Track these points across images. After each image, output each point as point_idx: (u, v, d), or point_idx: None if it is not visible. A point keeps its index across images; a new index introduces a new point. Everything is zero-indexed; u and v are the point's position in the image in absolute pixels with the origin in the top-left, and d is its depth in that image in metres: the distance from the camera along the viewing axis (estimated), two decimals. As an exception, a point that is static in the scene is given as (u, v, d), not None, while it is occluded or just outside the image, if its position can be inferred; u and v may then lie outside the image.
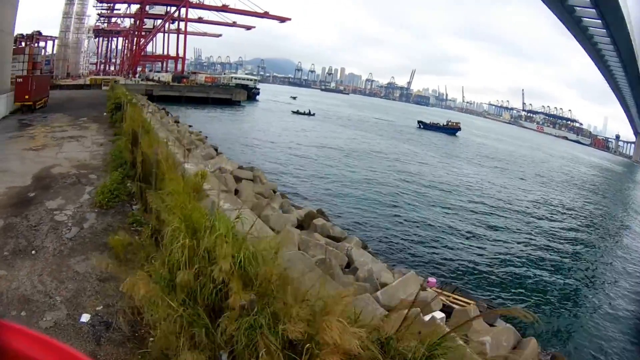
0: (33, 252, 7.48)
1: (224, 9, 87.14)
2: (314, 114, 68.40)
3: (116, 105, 21.82)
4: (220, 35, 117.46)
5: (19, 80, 27.62)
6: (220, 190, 8.27)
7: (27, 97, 27.13)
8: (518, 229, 21.06)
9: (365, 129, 62.64)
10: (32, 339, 0.74)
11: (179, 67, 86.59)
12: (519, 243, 18.63)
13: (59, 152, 15.81)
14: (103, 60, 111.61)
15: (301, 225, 12.81)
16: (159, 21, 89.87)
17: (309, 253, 8.68)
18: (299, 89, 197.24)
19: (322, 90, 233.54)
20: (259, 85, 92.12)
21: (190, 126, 36.69)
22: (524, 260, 16.58)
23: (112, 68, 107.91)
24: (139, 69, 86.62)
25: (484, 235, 18.68)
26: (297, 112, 68.49)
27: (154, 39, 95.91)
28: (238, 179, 15.90)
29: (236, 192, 13.74)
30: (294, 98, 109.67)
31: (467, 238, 17.75)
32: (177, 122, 35.52)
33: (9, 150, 15.67)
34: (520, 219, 23.16)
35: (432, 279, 9.79)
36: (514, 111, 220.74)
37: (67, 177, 12.22)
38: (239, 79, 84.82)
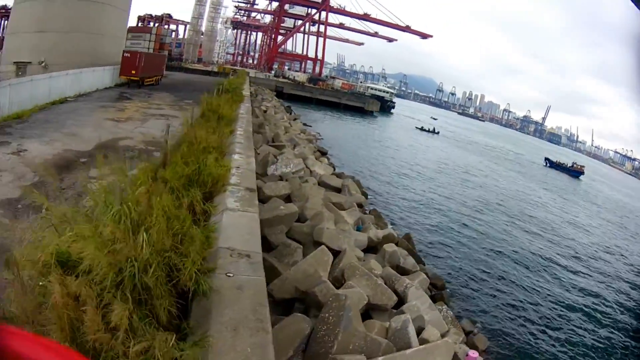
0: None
1: (366, 17, 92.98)
2: (437, 132, 72.43)
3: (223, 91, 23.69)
4: (362, 43, 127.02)
5: (126, 55, 31.56)
6: (247, 189, 8.37)
7: (133, 72, 30.75)
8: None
9: (490, 157, 64.13)
10: (33, 342, 0.79)
11: (317, 69, 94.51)
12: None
13: (139, 126, 17.15)
14: (240, 52, 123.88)
15: (373, 247, 12.38)
16: (300, 21, 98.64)
17: (351, 280, 8.29)
18: (438, 110, 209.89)
19: (459, 114, 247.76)
20: (397, 100, 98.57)
21: (306, 125, 38.23)
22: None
23: (249, 61, 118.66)
24: (275, 65, 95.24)
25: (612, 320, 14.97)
26: (422, 129, 72.48)
27: (294, 38, 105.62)
28: (324, 185, 15.99)
29: (289, 198, 13.27)
30: (435, 119, 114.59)
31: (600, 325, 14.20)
32: (295, 119, 37.25)
33: (92, 117, 17.96)
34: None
35: (474, 354, 7.68)
36: (637, 162, 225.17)
37: (130, 150, 13.04)
38: (375, 89, 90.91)
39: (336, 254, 9.68)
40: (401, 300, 8.85)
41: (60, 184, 9.67)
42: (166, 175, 6.97)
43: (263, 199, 11.65)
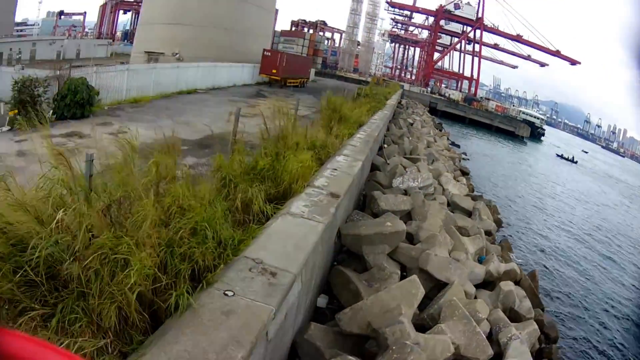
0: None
1: (517, 38, 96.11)
2: (576, 162, 73.83)
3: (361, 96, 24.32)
4: (516, 67, 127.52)
5: (266, 53, 33.58)
6: (331, 194, 7.90)
7: (274, 71, 32.71)
8: None
9: (632, 195, 60.56)
10: (31, 344, 0.83)
11: (472, 89, 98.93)
12: None
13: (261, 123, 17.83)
14: (399, 67, 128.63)
15: (491, 282, 11.28)
16: (455, 39, 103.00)
17: (445, 322, 7.27)
18: (584, 142, 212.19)
19: (602, 147, 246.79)
20: (546, 128, 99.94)
21: (454, 144, 39.85)
22: None
23: (407, 76, 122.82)
24: (431, 82, 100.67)
25: None
26: (561, 157, 74.74)
27: (450, 55, 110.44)
28: (455, 205, 15.49)
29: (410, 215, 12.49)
30: (586, 152, 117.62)
31: None
32: (443, 136, 39.26)
33: (216, 110, 19.21)
34: None
35: None
36: None
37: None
38: (527, 114, 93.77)
39: (442, 286, 8.65)
40: (498, 355, 7.63)
41: (145, 162, 10.18)
42: (222, 166, 6.60)
43: (376, 212, 11.08)
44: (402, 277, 8.48)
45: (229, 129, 15.45)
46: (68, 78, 17.23)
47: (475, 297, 9.31)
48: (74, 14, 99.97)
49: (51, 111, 16.65)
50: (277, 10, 59.19)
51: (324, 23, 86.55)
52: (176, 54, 33.78)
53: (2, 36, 62.51)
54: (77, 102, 16.45)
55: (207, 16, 34.94)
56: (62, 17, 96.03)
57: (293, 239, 5.58)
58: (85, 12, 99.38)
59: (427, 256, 9.07)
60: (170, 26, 35.29)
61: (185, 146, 12.76)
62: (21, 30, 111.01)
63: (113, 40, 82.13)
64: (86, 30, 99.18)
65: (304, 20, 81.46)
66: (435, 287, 8.58)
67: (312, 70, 44.85)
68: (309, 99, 28.95)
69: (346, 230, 8.82)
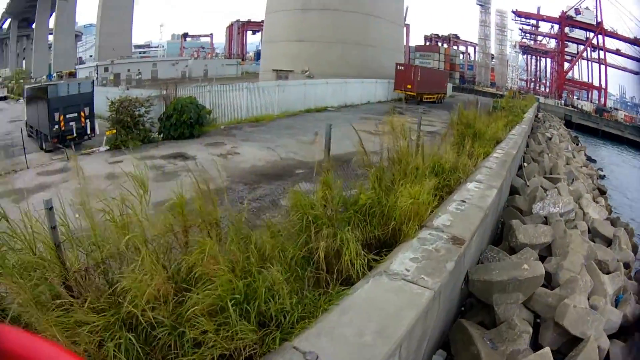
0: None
1: (635, 41, 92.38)
2: None
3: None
4: (638, 73, 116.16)
5: (399, 68, 33.64)
6: (453, 239, 6.46)
7: (409, 86, 32.57)
8: None
9: None
10: (30, 342, 0.88)
11: (602, 99, 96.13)
12: None
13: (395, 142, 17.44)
14: (533, 79, 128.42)
15: (627, 327, 9.67)
16: (581, 46, 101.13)
17: None
18: None
19: None
20: None
21: (590, 159, 37.68)
22: None
23: (541, 88, 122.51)
24: (564, 93, 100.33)
25: None
26: None
27: (579, 64, 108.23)
28: (595, 232, 13.98)
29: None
30: None
31: None
32: (580, 151, 37.51)
33: (344, 128, 18.72)
34: None
35: None
36: None
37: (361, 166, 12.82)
38: None
39: (575, 340, 7.64)
40: None
41: (247, 193, 9.60)
42: (300, 203, 5.44)
43: (514, 247, 10.05)
44: (535, 325, 7.69)
45: (354, 149, 14.84)
46: (174, 97, 17.90)
47: (608, 353, 8.09)
48: (199, 35, 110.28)
49: (157, 131, 17.38)
50: (407, 25, 60.13)
51: (457, 37, 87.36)
52: (306, 71, 34.61)
53: (118, 57, 71.14)
54: (185, 122, 16.95)
55: (333, 32, 35.81)
56: (187, 39, 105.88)
57: (379, 317, 4.01)
58: (211, 34, 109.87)
59: (565, 308, 7.83)
60: (294, 43, 36.71)
61: (301, 169, 12.32)
62: (144, 53, 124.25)
63: (243, 60, 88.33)
64: (216, 51, 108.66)
65: (437, 35, 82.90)
66: (568, 342, 7.58)
67: (450, 85, 44.45)
68: (444, 115, 27.68)
69: (475, 275, 7.78)
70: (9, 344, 0.85)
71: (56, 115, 16.87)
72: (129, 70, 68.04)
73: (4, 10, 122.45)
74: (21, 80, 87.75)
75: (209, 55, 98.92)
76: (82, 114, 17.35)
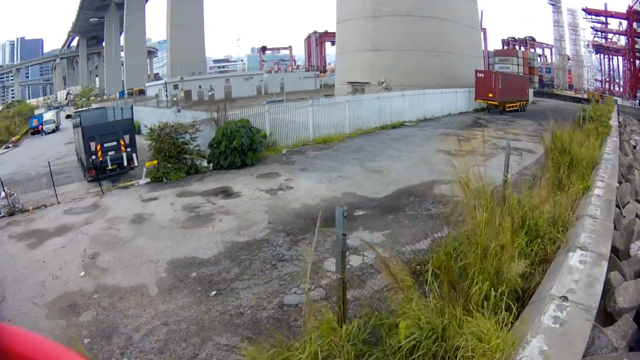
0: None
1: None
2: None
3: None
4: None
5: (480, 75, 31.95)
6: None
7: (490, 95, 30.89)
8: None
9: None
10: (32, 341, 0.89)
11: None
12: None
13: (480, 164, 15.08)
14: (607, 79, 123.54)
15: None
16: None
17: None
18: None
19: None
20: None
21: None
22: None
23: (615, 88, 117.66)
24: (639, 92, 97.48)
25: None
26: None
27: None
28: None
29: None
30: None
31: None
32: None
33: (421, 147, 18.57)
34: None
35: None
36: None
37: (438, 203, 11.03)
38: None
39: None
40: None
41: (286, 248, 8.38)
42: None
43: (611, 312, 7.02)
44: None
45: (432, 176, 13.24)
46: (224, 121, 16.53)
47: None
48: (278, 48, 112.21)
49: (205, 160, 16.09)
50: (484, 29, 58.49)
51: (533, 39, 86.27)
52: (382, 82, 33.45)
53: (189, 74, 72.75)
54: (235, 149, 15.67)
55: (407, 39, 34.79)
56: (266, 52, 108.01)
57: None
58: (290, 46, 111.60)
59: None
60: (368, 53, 36.14)
61: (362, 210, 10.79)
62: (223, 67, 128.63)
63: (323, 72, 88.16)
64: (297, 63, 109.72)
65: (514, 38, 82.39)
66: None
67: (531, 91, 42.63)
68: (529, 125, 26.44)
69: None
70: (12, 343, 0.86)
71: (92, 144, 16.39)
72: (200, 87, 69.64)
73: (69, 29, 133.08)
74: (91, 98, 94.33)
75: (290, 68, 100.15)
76: (122, 142, 16.76)
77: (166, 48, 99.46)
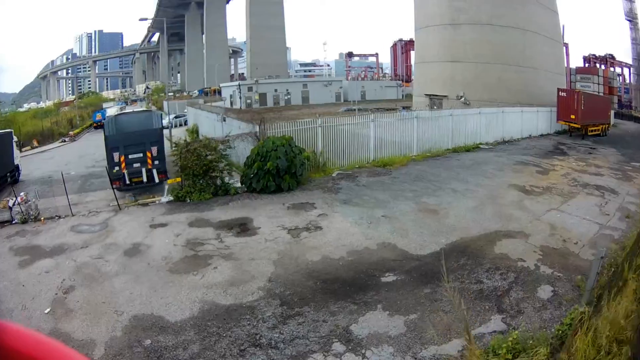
0: None
1: None
2: None
3: None
4: None
5: (562, 94, 30.11)
6: None
7: (572, 116, 29.16)
8: None
9: None
10: (31, 339, 0.90)
11: None
12: None
13: (556, 207, 14.14)
14: None
15: None
16: None
17: None
18: None
19: None
20: None
21: None
22: None
23: None
24: None
25: None
26: None
27: None
28: None
29: None
30: None
31: None
32: None
33: (493, 181, 16.48)
34: None
35: None
36: None
37: (501, 271, 9.16)
38: None
39: None
40: None
41: (266, 329, 6.82)
42: None
43: None
44: None
45: (499, 226, 11.84)
46: (262, 137, 15.25)
47: None
48: (365, 55, 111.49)
49: (239, 180, 14.95)
50: (566, 45, 57.07)
51: (612, 57, 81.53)
52: (461, 96, 31.64)
53: (265, 77, 73.17)
54: (269, 172, 14.24)
55: (488, 50, 32.92)
56: (353, 58, 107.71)
57: None
58: (377, 53, 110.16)
59: None
60: (446, 64, 34.68)
61: (393, 274, 9.06)
62: (309, 71, 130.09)
63: (407, 81, 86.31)
64: (384, 71, 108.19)
65: (594, 55, 78.86)
66: None
67: (612, 112, 40.07)
68: (612, 155, 23.64)
69: None
70: (12, 341, 0.87)
71: (115, 155, 15.58)
72: (276, 90, 69.70)
73: (149, 24, 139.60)
74: (169, 94, 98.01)
75: (376, 76, 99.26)
76: (149, 154, 15.80)
77: (246, 50, 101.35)
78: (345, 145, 18.37)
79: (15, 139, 23.29)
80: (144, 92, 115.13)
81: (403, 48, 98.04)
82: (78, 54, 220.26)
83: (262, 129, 16.24)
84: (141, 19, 68.74)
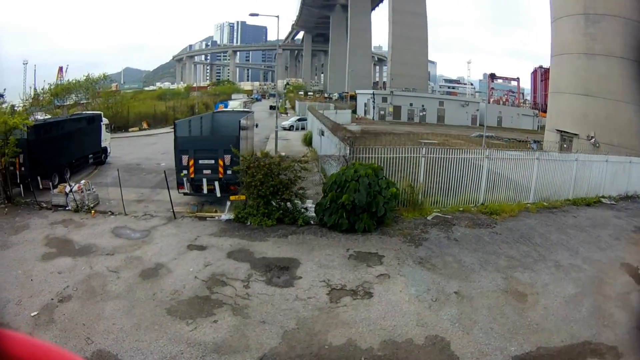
0: None
1: None
2: None
3: None
4: None
5: None
6: None
7: None
8: None
9: None
10: (32, 346, 0.93)
11: None
12: None
13: None
14: None
15: None
16: None
17: None
18: None
19: None
20: None
21: None
22: None
23: None
24: None
25: None
26: None
27: None
28: None
29: None
30: None
31: None
32: None
33: (604, 253, 13.69)
34: None
35: None
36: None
37: None
38: None
39: None
40: None
41: None
42: None
43: None
44: None
45: (592, 333, 9.40)
46: (346, 163, 13.87)
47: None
48: (507, 78, 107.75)
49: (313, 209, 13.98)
50: None
51: None
52: (591, 137, 28.62)
53: (402, 88, 73.67)
54: (344, 207, 12.71)
55: (622, 87, 28.67)
56: (496, 80, 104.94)
57: None
58: (518, 78, 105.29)
59: None
60: (578, 97, 31.71)
61: None
62: (452, 88, 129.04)
63: (544, 111, 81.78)
64: (525, 98, 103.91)
65: None
66: None
67: None
68: None
69: None
70: (14, 349, 0.88)
71: (184, 158, 15.26)
72: (411, 104, 69.09)
73: (293, 22, 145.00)
74: (309, 94, 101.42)
75: (517, 102, 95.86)
76: (221, 163, 15.20)
77: (387, 59, 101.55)
78: (452, 180, 16.23)
79: (105, 121, 24.25)
80: (284, 88, 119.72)
81: (542, 75, 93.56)
82: (218, 42, 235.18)
83: (352, 152, 14.75)
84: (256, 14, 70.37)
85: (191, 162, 15.10)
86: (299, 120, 46.47)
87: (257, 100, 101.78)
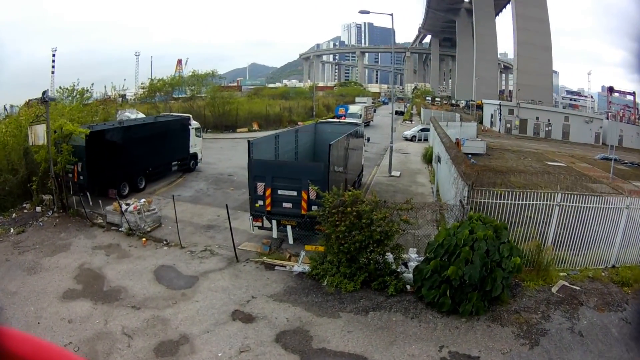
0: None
1: None
2: None
3: None
4: None
5: None
6: None
7: None
8: None
9: None
10: (31, 344, 0.95)
11: None
12: None
13: None
14: None
15: None
16: None
17: None
18: None
19: None
20: None
21: None
22: None
23: None
24: None
25: None
26: None
27: None
28: None
29: None
30: None
31: None
32: None
33: None
34: None
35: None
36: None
37: None
38: None
39: None
40: None
41: None
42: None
43: None
44: None
45: None
46: (463, 210, 10.86)
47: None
48: (623, 92, 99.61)
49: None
50: None
51: None
52: None
53: (528, 100, 69.86)
54: (448, 281, 9.55)
55: None
56: (615, 94, 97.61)
57: None
58: (634, 92, 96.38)
59: None
60: None
61: None
62: (574, 100, 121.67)
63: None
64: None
65: None
66: None
67: None
68: None
69: None
70: (14, 347, 0.90)
71: (259, 186, 12.74)
72: (537, 118, 65.81)
73: (419, 25, 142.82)
74: (436, 100, 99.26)
75: (633, 117, 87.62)
76: (304, 195, 12.41)
77: (513, 66, 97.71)
78: (582, 234, 12.17)
79: (195, 124, 22.63)
80: (412, 92, 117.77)
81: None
82: (346, 43, 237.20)
83: (470, 194, 11.46)
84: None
85: (268, 192, 12.55)
86: (422, 130, 43.09)
87: (384, 103, 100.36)
